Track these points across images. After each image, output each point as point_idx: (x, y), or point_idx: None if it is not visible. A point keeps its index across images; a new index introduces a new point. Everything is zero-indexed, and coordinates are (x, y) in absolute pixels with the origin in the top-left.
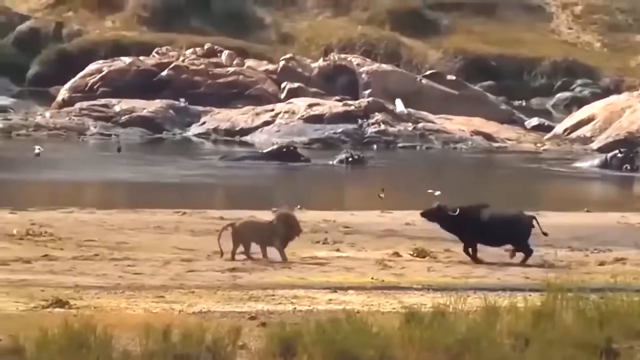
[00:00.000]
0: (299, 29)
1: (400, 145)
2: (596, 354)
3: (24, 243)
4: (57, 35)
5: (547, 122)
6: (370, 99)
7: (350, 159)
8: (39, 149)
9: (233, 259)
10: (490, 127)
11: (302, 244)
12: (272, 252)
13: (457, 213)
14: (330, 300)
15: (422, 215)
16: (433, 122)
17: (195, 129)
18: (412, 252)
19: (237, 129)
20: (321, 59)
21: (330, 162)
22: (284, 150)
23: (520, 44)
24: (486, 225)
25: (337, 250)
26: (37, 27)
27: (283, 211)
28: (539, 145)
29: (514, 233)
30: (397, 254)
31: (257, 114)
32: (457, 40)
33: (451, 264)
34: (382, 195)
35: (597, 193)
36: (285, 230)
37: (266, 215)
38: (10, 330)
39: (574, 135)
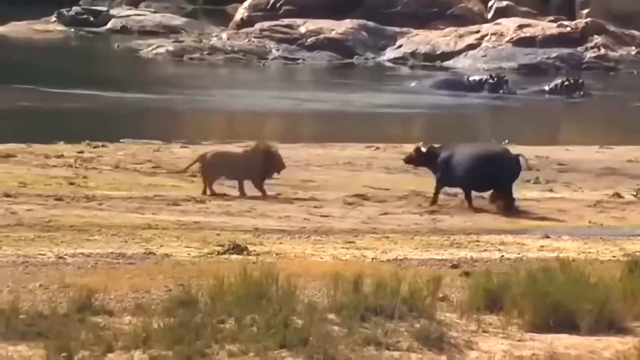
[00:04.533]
0: None
1: (623, 71)
2: None
3: (197, 181)
4: None
5: None
6: (589, 19)
7: (566, 87)
8: None
9: (205, 193)
10: None
11: None
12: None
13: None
14: (542, 246)
15: (405, 161)
16: None
17: (390, 53)
18: (635, 193)
19: (438, 52)
20: None
21: (544, 89)
22: (491, 81)
23: None
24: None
25: (550, 190)
26: None
27: (262, 142)
28: None
29: None
30: (617, 195)
31: (461, 36)
32: None
33: None
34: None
35: None
36: (263, 164)
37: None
38: (182, 279)
39: None
